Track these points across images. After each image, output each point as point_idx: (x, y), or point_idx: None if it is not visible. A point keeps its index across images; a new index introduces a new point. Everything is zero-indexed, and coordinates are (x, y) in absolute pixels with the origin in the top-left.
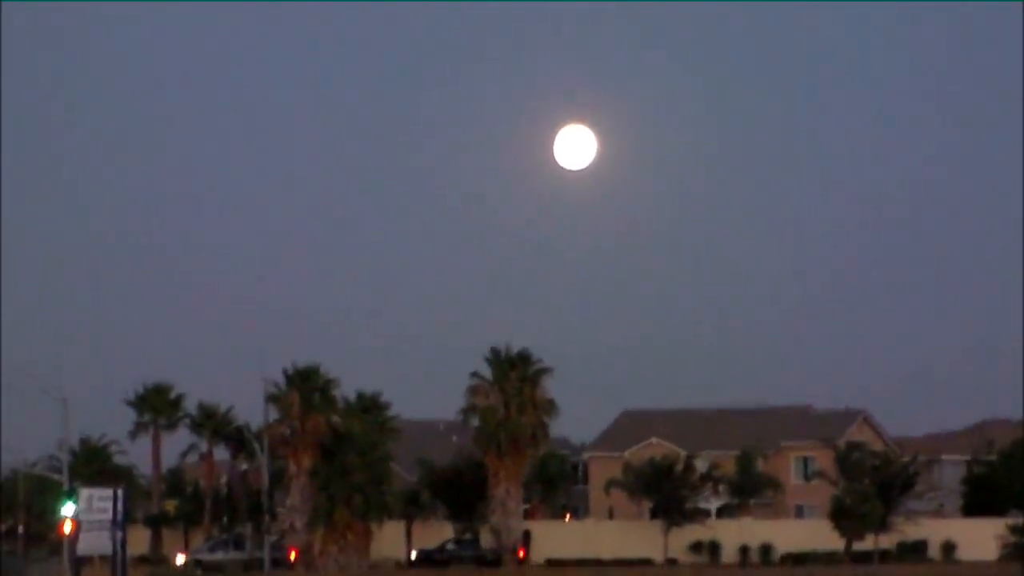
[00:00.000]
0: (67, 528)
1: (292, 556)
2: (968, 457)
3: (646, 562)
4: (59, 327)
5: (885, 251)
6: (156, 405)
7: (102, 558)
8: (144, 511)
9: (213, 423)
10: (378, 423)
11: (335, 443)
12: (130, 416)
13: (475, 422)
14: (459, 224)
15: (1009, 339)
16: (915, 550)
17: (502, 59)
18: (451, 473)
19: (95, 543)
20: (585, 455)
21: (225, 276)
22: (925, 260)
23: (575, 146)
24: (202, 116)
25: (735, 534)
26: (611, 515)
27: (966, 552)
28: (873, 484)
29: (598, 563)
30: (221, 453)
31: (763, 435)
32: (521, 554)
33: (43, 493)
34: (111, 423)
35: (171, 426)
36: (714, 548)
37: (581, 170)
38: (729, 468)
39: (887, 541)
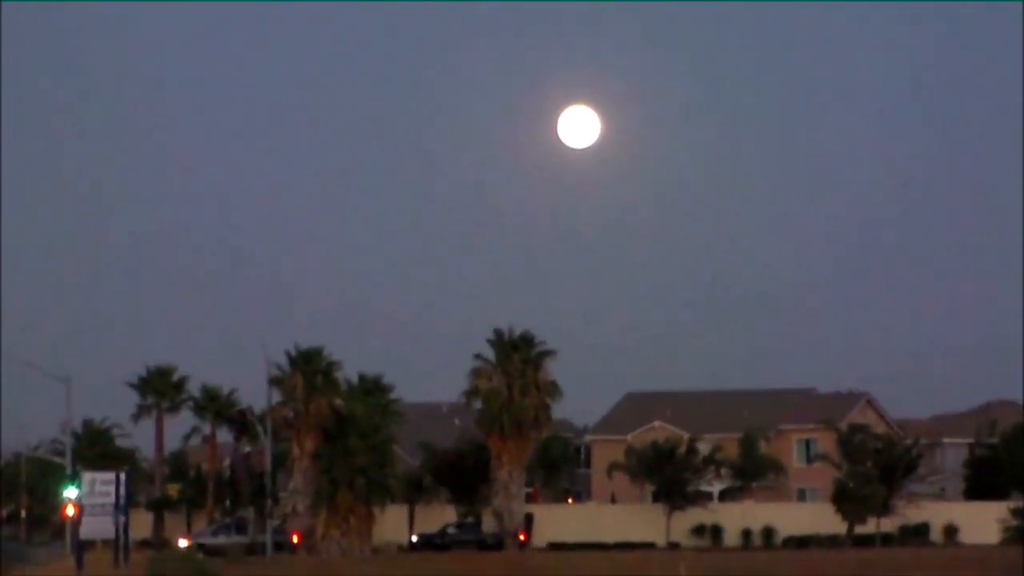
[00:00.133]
0: (70, 512)
1: (295, 540)
2: (971, 440)
3: (648, 545)
4: (62, 310)
5: (889, 233)
6: (159, 388)
7: (104, 542)
8: (147, 494)
9: (216, 406)
10: (381, 406)
11: (338, 426)
12: (133, 399)
13: (478, 405)
14: (461, 205)
15: (1013, 322)
16: (917, 533)
17: (505, 39)
18: (453, 456)
19: (98, 527)
20: (587, 438)
21: (228, 259)
22: (928, 242)
23: (578, 126)
24: (208, 101)
25: (737, 517)
26: (613, 499)
27: (968, 535)
28: (875, 467)
29: (600, 547)
30: (224, 436)
31: (765, 418)
32: (522, 538)
33: (45, 476)
34: (114, 406)
35: (174, 409)
36: (716, 531)
37: (584, 149)
38: (731, 451)
39: (889, 524)
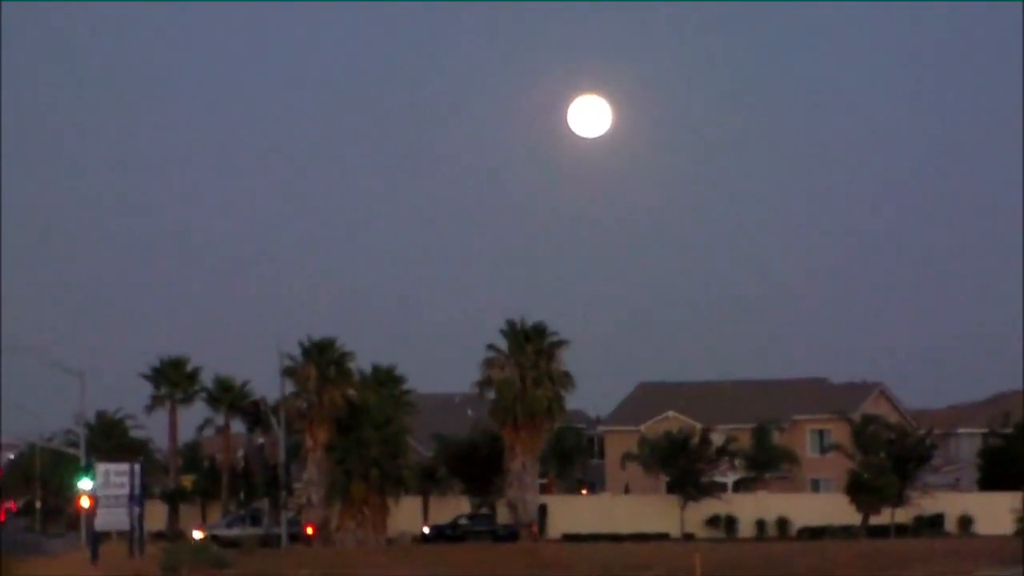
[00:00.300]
0: (85, 503)
1: (309, 531)
2: (984, 430)
3: (662, 536)
4: (75, 303)
5: (902, 222)
6: (173, 379)
7: (119, 533)
8: (161, 486)
9: (230, 397)
10: (394, 396)
11: (351, 417)
12: (146, 390)
13: (491, 395)
14: (473, 195)
15: None
16: (932, 524)
17: (516, 29)
18: (467, 447)
19: (112, 519)
20: (601, 429)
21: (241, 250)
22: (942, 232)
23: (590, 116)
24: (221, 97)
25: (751, 508)
26: (627, 489)
27: (983, 526)
28: (889, 457)
29: (614, 538)
30: (238, 427)
31: (779, 408)
32: (533, 529)
33: (60, 468)
34: (127, 397)
35: (187, 400)
36: (730, 522)
37: (596, 139)
38: (745, 442)
39: (903, 515)
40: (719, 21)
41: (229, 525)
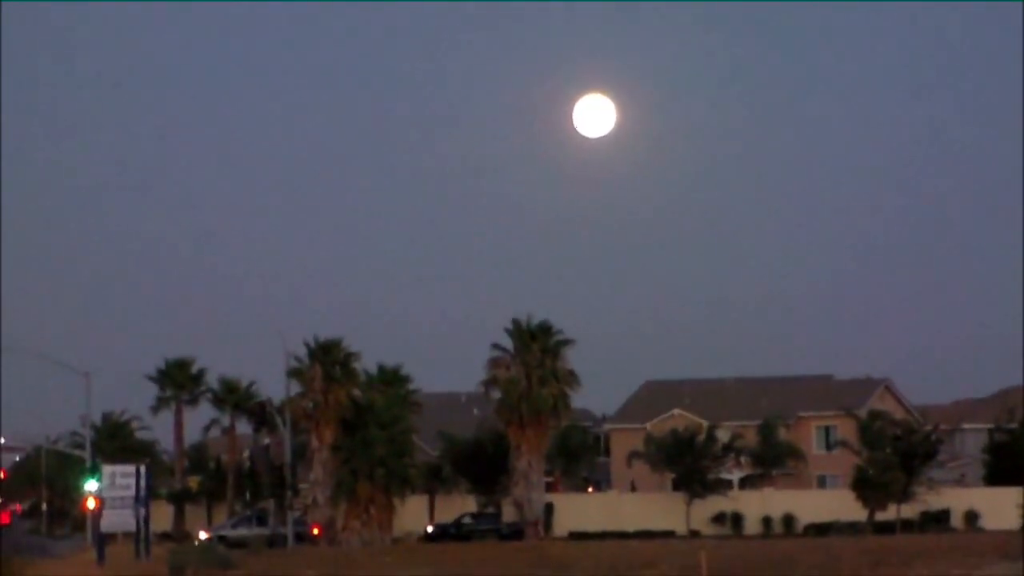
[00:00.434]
0: (91, 505)
1: (315, 531)
2: (990, 425)
3: (669, 534)
4: (80, 304)
5: (907, 219)
6: (178, 380)
7: (125, 535)
8: (167, 487)
9: (235, 398)
10: (399, 396)
11: (357, 417)
12: (152, 391)
13: (496, 394)
14: (478, 194)
15: None
16: (938, 520)
17: (520, 28)
18: (473, 446)
19: (118, 520)
20: (607, 427)
21: (246, 251)
22: (947, 228)
23: (594, 115)
24: (225, 97)
25: (758, 505)
26: (633, 487)
27: (989, 521)
28: (895, 453)
29: (621, 535)
30: (243, 428)
31: (784, 405)
32: (538, 528)
33: (66, 470)
34: (133, 399)
35: (193, 401)
36: (737, 519)
37: (601, 138)
38: (751, 439)
39: (910, 511)
40: (724, 20)
41: (235, 526)
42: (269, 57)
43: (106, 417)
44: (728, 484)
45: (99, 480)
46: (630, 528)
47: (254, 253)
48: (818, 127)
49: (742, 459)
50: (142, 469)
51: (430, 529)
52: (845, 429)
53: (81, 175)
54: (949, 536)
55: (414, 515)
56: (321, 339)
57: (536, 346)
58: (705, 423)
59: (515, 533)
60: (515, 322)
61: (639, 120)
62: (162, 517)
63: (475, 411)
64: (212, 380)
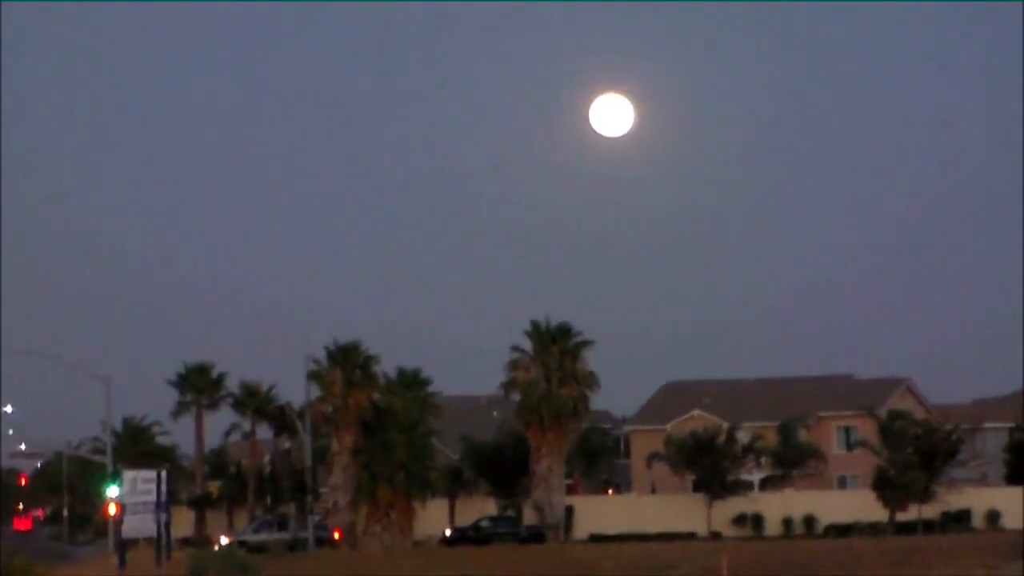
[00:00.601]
0: (112, 510)
1: (336, 535)
2: (1011, 424)
3: (690, 535)
4: (101, 310)
5: (927, 218)
6: (198, 385)
7: (147, 540)
8: (188, 492)
9: (255, 402)
10: (419, 399)
11: (377, 420)
12: (172, 396)
13: (516, 397)
14: (496, 195)
15: None
16: (959, 519)
17: (538, 28)
18: (493, 449)
19: (139, 525)
20: (627, 428)
21: (265, 255)
22: (967, 227)
23: (612, 115)
24: (242, 98)
25: (778, 506)
26: (653, 489)
27: (1011, 520)
28: (916, 453)
29: (641, 537)
30: (264, 432)
31: (804, 405)
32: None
33: (86, 475)
34: (153, 404)
35: (213, 406)
36: (757, 520)
37: (619, 138)
38: (771, 439)
39: (931, 511)
40: (742, 19)
41: (256, 530)
42: (286, 61)
43: (127, 422)
44: (748, 485)
45: (120, 485)
46: (651, 530)
47: (273, 257)
48: (837, 125)
49: (762, 460)
50: (163, 474)
51: (448, 532)
52: (865, 429)
53: (102, 182)
54: (970, 536)
55: (435, 518)
56: (341, 343)
57: (555, 348)
58: (725, 424)
59: (533, 536)
60: (534, 324)
61: (657, 119)
62: (183, 522)
63: (495, 414)
64: (232, 385)
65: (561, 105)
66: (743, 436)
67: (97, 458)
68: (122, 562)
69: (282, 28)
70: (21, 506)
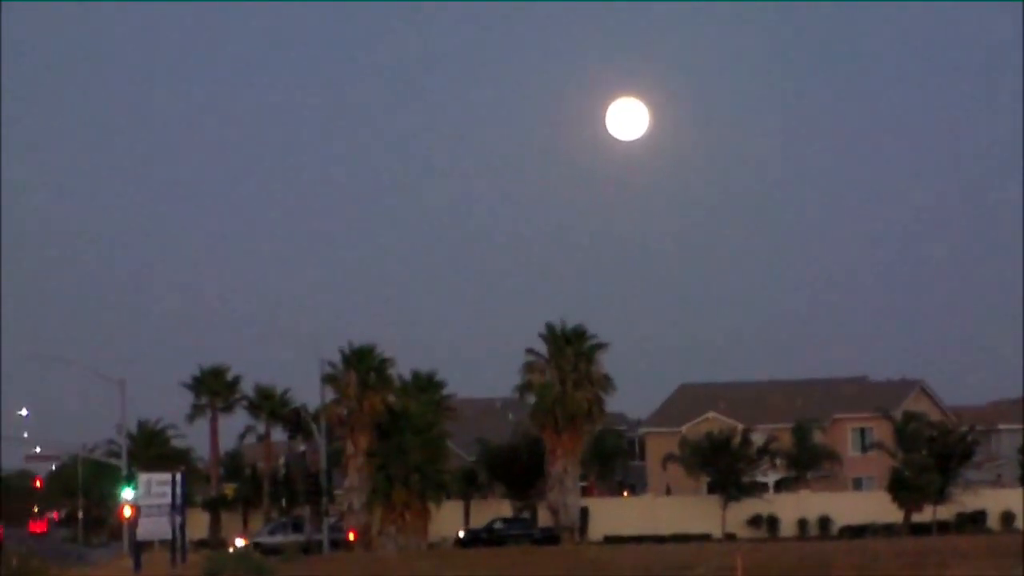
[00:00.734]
0: (127, 513)
1: (351, 537)
2: None
3: (704, 537)
4: (116, 313)
5: (941, 220)
6: (213, 387)
7: (162, 542)
8: (203, 494)
9: (270, 405)
10: (434, 402)
11: (392, 423)
12: (187, 399)
13: (531, 399)
14: (511, 198)
15: None
16: (974, 521)
17: (552, 31)
18: (508, 451)
19: (154, 528)
20: (641, 431)
21: (279, 258)
22: (981, 228)
23: (627, 118)
24: (258, 97)
25: (793, 507)
26: (668, 491)
27: None
28: (931, 455)
29: (656, 539)
30: (279, 435)
31: (819, 407)
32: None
33: (101, 478)
34: (168, 407)
35: (228, 408)
36: (772, 522)
37: (634, 141)
38: (786, 441)
39: (946, 512)
40: (758, 22)
41: (271, 532)
42: (302, 58)
43: (142, 425)
44: (763, 487)
45: (135, 488)
46: (666, 532)
47: (289, 260)
48: (853, 126)
49: (777, 462)
50: (178, 477)
51: (461, 534)
52: (880, 431)
53: (114, 183)
54: (986, 537)
55: (450, 520)
56: (355, 345)
57: (570, 350)
58: (740, 426)
59: (547, 538)
60: (549, 327)
61: (672, 123)
62: (198, 525)
63: (510, 416)
64: (247, 387)
65: (577, 109)
66: (758, 438)
67: (112, 461)
68: (137, 564)
69: (303, 31)
70: (36, 508)
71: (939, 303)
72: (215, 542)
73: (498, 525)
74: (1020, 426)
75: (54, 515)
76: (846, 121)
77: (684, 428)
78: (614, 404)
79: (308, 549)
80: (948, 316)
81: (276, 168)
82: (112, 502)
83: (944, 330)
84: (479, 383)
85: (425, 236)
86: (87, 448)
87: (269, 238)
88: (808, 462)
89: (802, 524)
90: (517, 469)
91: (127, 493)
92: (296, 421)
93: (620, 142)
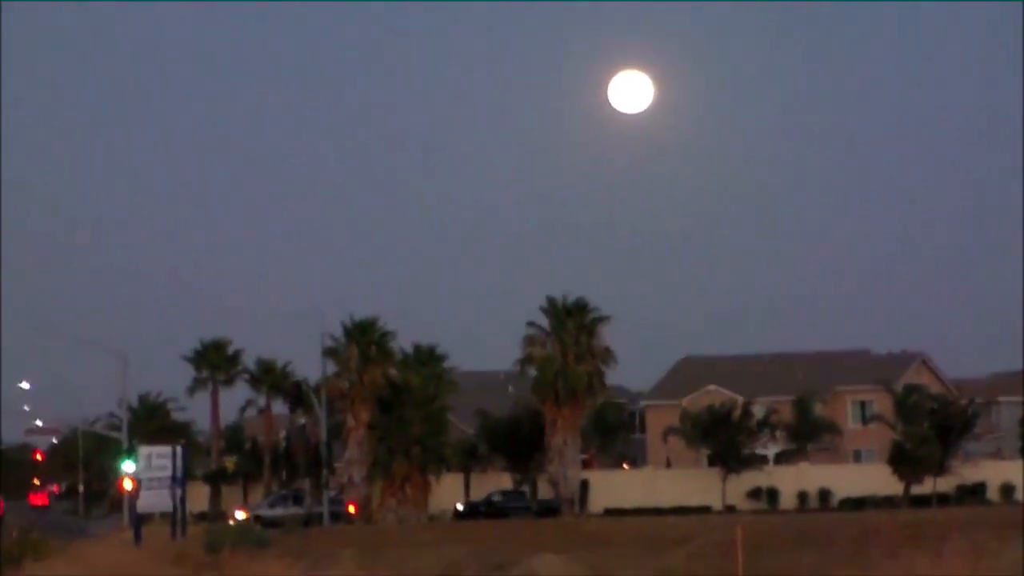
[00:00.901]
0: (127, 486)
1: (351, 510)
2: None
3: (704, 509)
4: (117, 286)
5: (941, 193)
6: (214, 361)
7: (162, 515)
8: (203, 467)
9: (271, 378)
10: (435, 375)
11: (393, 396)
12: (188, 372)
13: (532, 372)
14: (514, 172)
15: None
16: (974, 493)
17: (556, 6)
18: (508, 424)
19: (155, 500)
20: (642, 403)
21: (279, 231)
22: (982, 201)
23: (631, 91)
24: (260, 81)
25: (793, 480)
26: (669, 463)
27: None
28: (931, 427)
29: (657, 511)
30: (279, 408)
31: (820, 380)
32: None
33: (102, 451)
34: (169, 380)
35: (229, 382)
36: (772, 494)
37: (637, 115)
38: (786, 414)
39: (945, 484)
40: None
41: (272, 505)
42: (306, 39)
43: (142, 398)
44: (764, 459)
45: (135, 461)
46: (666, 504)
47: (290, 234)
48: (857, 101)
49: (777, 434)
50: (178, 450)
51: (460, 507)
52: (881, 403)
53: (117, 160)
54: (985, 509)
55: (450, 493)
56: (357, 319)
57: (572, 323)
58: (740, 399)
59: (546, 510)
60: (550, 300)
61: (676, 97)
62: (198, 497)
63: (511, 389)
64: (248, 361)
65: (580, 82)
66: (758, 410)
67: (113, 434)
68: (137, 537)
69: (308, 19)
70: (37, 481)
71: (940, 276)
72: (215, 515)
73: (497, 498)
74: (1020, 398)
75: (55, 488)
76: (853, 92)
77: (685, 401)
78: (615, 377)
79: (308, 522)
80: (949, 289)
81: (278, 142)
82: (113, 475)
83: (945, 303)
84: (480, 356)
85: (427, 209)
86: (88, 421)
87: (271, 211)
88: (808, 434)
89: (802, 496)
90: (517, 442)
91: (127, 466)
92: (297, 394)
93: (624, 115)
